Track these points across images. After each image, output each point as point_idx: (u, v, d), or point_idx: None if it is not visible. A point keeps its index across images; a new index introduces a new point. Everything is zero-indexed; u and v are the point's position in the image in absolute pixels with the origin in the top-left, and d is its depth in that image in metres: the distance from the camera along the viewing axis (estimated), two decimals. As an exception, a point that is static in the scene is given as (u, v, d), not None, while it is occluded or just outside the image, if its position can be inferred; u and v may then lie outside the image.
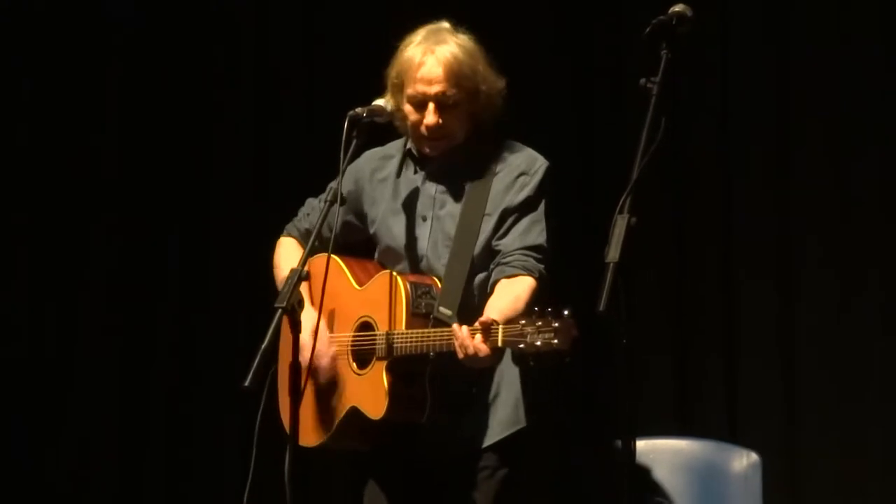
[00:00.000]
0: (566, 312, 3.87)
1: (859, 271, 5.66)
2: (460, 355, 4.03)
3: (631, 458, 3.62)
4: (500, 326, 3.98)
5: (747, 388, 5.75)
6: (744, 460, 4.76)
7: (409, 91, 4.28)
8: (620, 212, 3.50)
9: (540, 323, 3.88)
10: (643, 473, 4.71)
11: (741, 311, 5.80)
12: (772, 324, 5.75)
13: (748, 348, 5.77)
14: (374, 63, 4.41)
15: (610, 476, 5.33)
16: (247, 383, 3.82)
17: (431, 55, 4.27)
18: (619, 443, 3.60)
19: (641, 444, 4.61)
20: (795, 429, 5.67)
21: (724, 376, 5.79)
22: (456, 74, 4.26)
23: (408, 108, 4.31)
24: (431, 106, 4.27)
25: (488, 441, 4.27)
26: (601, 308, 3.39)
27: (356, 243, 4.50)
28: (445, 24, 4.34)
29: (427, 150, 4.35)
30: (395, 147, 4.47)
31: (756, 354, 5.75)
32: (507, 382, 4.28)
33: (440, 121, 4.28)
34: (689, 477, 4.77)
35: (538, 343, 3.87)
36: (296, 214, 4.58)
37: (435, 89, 4.26)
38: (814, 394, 5.66)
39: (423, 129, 4.29)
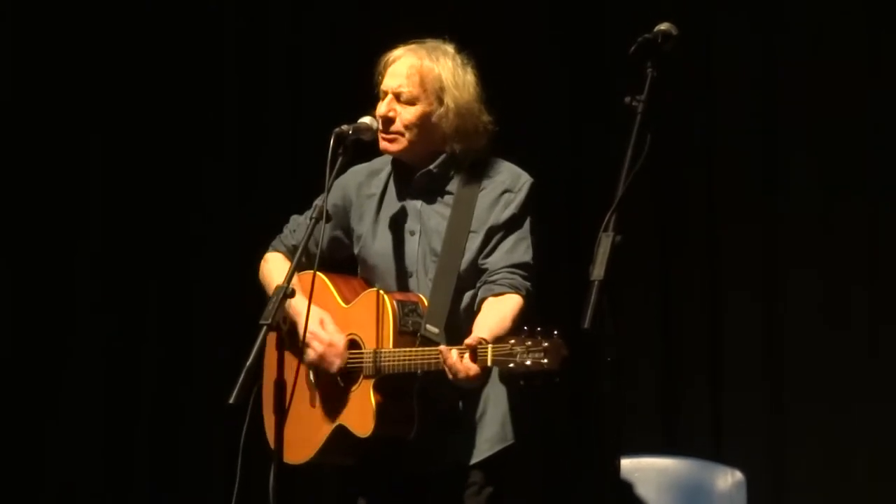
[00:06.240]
0: (556, 332, 3.86)
1: (845, 289, 5.67)
2: (450, 377, 4.03)
3: (616, 476, 3.62)
4: (490, 346, 3.97)
5: (732, 407, 5.75)
6: (728, 479, 4.75)
7: (381, 86, 4.33)
8: (605, 230, 3.50)
9: (530, 342, 3.87)
10: (628, 492, 4.70)
11: (726, 330, 5.80)
12: (757, 342, 5.76)
13: (733, 366, 5.77)
14: (360, 81, 4.42)
15: (595, 494, 5.35)
16: (231, 400, 3.80)
17: (408, 55, 4.32)
18: (604, 461, 3.60)
19: (626, 463, 4.63)
20: (780, 447, 5.68)
21: (709, 394, 5.80)
22: (420, 74, 4.29)
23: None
24: (388, 97, 4.31)
25: (476, 458, 4.26)
26: (586, 326, 3.39)
27: (343, 259, 4.49)
28: (448, 44, 4.36)
29: (381, 145, 4.34)
30: (381, 162, 4.46)
31: (741, 372, 5.75)
32: (495, 400, 4.28)
33: (390, 114, 4.30)
34: (675, 495, 4.77)
35: (528, 363, 3.86)
36: (280, 231, 4.57)
37: (396, 83, 4.30)
38: (798, 412, 5.67)
39: (377, 118, 4.31)
